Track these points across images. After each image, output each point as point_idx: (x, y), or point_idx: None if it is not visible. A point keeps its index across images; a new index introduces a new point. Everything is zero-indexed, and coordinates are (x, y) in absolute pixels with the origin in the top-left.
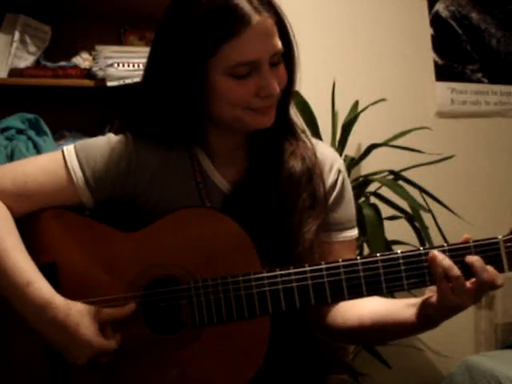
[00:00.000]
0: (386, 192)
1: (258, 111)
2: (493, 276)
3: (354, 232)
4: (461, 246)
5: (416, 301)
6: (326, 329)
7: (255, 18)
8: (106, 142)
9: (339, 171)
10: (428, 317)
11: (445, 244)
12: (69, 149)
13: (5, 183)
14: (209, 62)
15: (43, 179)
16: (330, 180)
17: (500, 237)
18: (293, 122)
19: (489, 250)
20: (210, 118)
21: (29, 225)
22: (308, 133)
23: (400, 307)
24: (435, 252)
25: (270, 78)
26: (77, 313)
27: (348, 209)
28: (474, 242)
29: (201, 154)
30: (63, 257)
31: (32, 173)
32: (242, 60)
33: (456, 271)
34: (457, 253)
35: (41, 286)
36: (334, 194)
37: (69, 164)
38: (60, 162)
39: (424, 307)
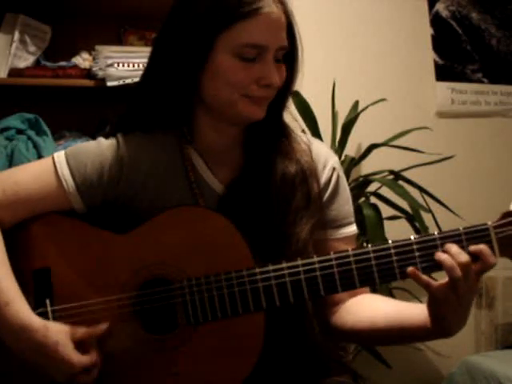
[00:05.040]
0: (386, 192)
1: (252, 100)
2: (477, 250)
3: (351, 229)
4: (451, 233)
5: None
6: (335, 329)
7: (272, 7)
8: (97, 147)
9: (333, 168)
10: (438, 322)
11: (435, 232)
12: (59, 156)
13: None
14: (219, 38)
15: (34, 188)
16: (323, 178)
17: (490, 223)
18: (287, 124)
19: (479, 237)
20: (204, 104)
21: (22, 230)
22: (308, 133)
23: (414, 312)
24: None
25: (272, 68)
26: (54, 333)
27: (344, 206)
28: (464, 228)
29: (193, 154)
30: (57, 261)
31: (23, 182)
32: (252, 42)
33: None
34: (446, 241)
35: (19, 308)
36: (329, 191)
37: (59, 172)
38: (51, 170)
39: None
